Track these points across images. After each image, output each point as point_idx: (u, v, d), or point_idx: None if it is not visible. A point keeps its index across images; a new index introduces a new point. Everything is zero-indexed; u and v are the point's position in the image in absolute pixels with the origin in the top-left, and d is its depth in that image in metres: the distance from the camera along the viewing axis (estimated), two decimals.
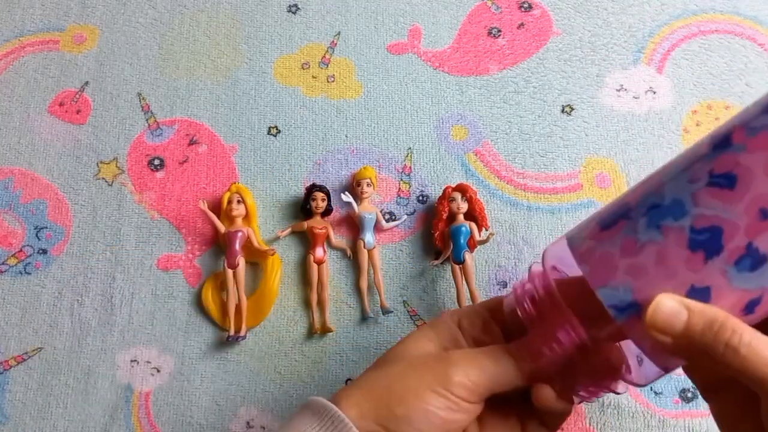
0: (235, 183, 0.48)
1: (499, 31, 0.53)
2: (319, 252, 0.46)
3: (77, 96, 0.53)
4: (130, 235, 0.48)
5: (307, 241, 0.47)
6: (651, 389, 0.42)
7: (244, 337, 0.44)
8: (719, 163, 0.23)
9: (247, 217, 0.47)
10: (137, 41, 0.54)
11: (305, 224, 0.47)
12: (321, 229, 0.46)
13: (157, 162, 0.50)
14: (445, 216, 0.45)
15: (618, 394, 0.29)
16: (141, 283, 0.47)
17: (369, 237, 0.46)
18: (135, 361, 0.45)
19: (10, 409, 0.44)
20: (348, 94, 0.51)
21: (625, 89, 0.51)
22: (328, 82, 0.52)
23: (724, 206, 0.23)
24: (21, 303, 0.47)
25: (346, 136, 0.50)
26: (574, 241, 0.28)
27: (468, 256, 0.44)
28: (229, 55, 0.53)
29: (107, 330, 0.46)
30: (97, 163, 0.50)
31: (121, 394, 0.44)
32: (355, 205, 0.46)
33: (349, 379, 0.44)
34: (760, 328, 0.24)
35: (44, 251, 0.48)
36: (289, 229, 0.47)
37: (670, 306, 0.24)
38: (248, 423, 0.43)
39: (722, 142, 0.24)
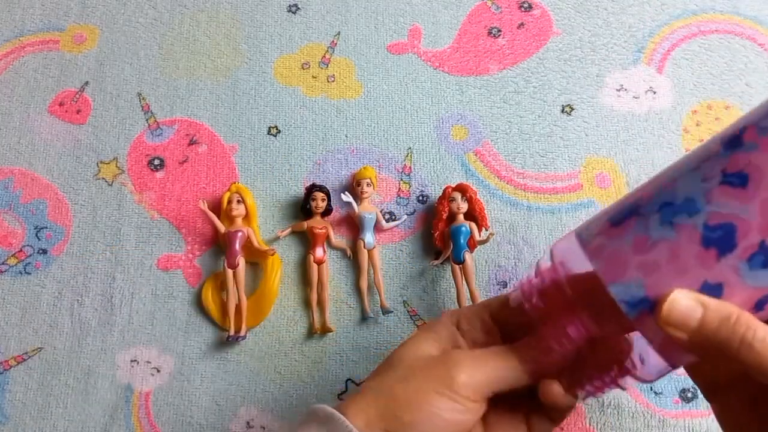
0: (235, 183, 0.48)
1: (499, 31, 0.53)
2: (319, 252, 0.46)
3: (77, 96, 0.53)
4: (130, 235, 0.48)
5: (307, 241, 0.47)
6: (651, 389, 0.42)
7: (244, 337, 0.44)
8: (731, 162, 0.24)
9: (247, 217, 0.47)
10: (137, 41, 0.54)
11: (305, 224, 0.47)
12: (321, 229, 0.46)
13: (157, 162, 0.50)
14: (445, 216, 0.45)
15: (624, 389, 0.29)
16: (141, 283, 0.47)
17: (369, 237, 0.46)
18: (135, 361, 0.45)
19: (10, 409, 0.44)
20: (348, 94, 0.51)
21: (625, 89, 0.51)
22: (328, 82, 0.52)
23: (737, 204, 0.23)
24: (21, 303, 0.47)
25: (346, 136, 0.50)
26: (584, 237, 0.28)
27: (468, 256, 0.44)
28: (229, 55, 0.53)
29: (107, 330, 0.46)
30: (97, 163, 0.50)
31: (121, 394, 0.44)
32: (355, 205, 0.46)
33: (349, 380, 0.44)
34: None
35: (44, 251, 0.48)
36: (289, 229, 0.47)
37: (685, 302, 0.24)
38: (248, 423, 0.43)
39: (734, 141, 0.24)
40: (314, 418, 0.28)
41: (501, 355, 0.29)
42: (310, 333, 0.45)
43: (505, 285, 0.46)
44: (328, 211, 0.47)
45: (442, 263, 0.46)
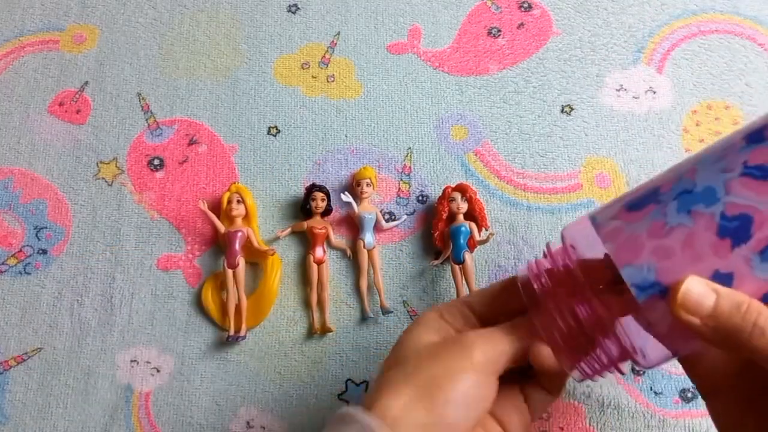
0: (234, 183, 0.48)
1: (499, 31, 0.53)
2: (318, 252, 0.46)
3: (77, 96, 0.53)
4: (130, 235, 0.48)
5: (306, 241, 0.47)
6: (651, 389, 0.42)
7: (244, 337, 0.44)
8: (754, 155, 0.24)
9: (246, 217, 0.47)
10: (137, 41, 0.54)
11: (305, 224, 0.47)
12: (321, 229, 0.46)
13: (156, 162, 0.50)
14: (445, 216, 0.45)
15: (623, 373, 0.29)
16: (141, 283, 0.47)
17: (369, 237, 0.46)
18: (135, 361, 0.45)
19: (10, 409, 0.44)
20: (348, 94, 0.51)
21: (625, 89, 0.51)
22: (328, 82, 0.52)
23: (756, 197, 0.24)
24: (21, 303, 0.47)
25: (346, 136, 0.50)
26: (598, 220, 0.28)
27: (468, 256, 0.44)
28: (229, 55, 0.53)
29: (107, 330, 0.46)
30: (97, 163, 0.50)
31: (121, 394, 0.44)
32: (354, 205, 0.46)
33: (349, 380, 0.44)
34: None
35: (44, 251, 0.48)
36: (289, 229, 0.47)
37: (699, 288, 0.24)
38: (248, 423, 0.43)
39: (757, 136, 0.25)
40: (350, 425, 0.27)
41: (510, 332, 0.30)
42: (310, 333, 0.45)
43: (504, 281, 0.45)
44: (328, 211, 0.47)
45: (442, 263, 0.46)
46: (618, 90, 0.51)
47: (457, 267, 0.44)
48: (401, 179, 0.49)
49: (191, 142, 0.51)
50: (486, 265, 0.46)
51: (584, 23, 0.53)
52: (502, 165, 0.49)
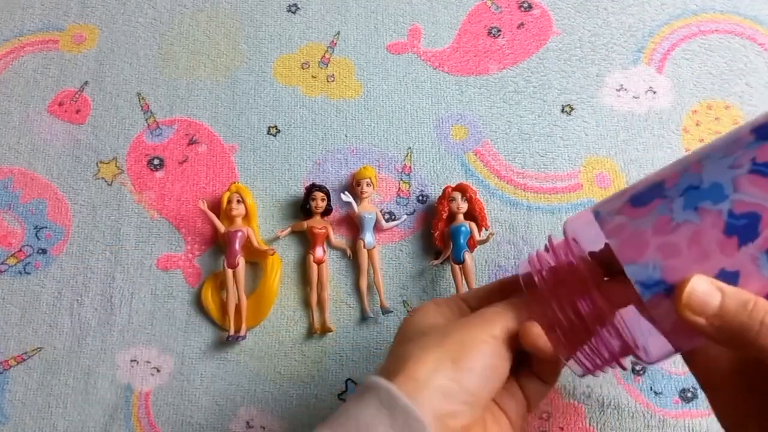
0: (234, 183, 0.48)
1: (499, 30, 0.53)
2: (318, 252, 0.46)
3: (77, 96, 0.53)
4: (130, 235, 0.48)
5: (306, 241, 0.47)
6: (651, 389, 0.42)
7: (244, 337, 0.44)
8: (762, 151, 0.24)
9: (246, 217, 0.47)
10: (137, 41, 0.54)
11: (305, 224, 0.47)
12: (321, 229, 0.46)
13: (156, 162, 0.50)
14: (445, 216, 0.45)
15: (624, 369, 0.29)
16: (141, 283, 0.47)
17: (369, 237, 0.46)
18: (135, 361, 0.45)
19: (10, 409, 0.44)
20: (348, 94, 0.51)
21: (625, 89, 0.51)
22: (327, 81, 0.52)
23: (764, 194, 0.23)
24: (21, 303, 0.47)
25: (346, 136, 0.50)
26: (602, 215, 0.28)
27: (468, 256, 0.44)
28: (229, 55, 0.53)
29: (107, 330, 0.46)
30: (97, 163, 0.50)
31: (121, 394, 0.44)
32: (354, 205, 0.46)
33: (349, 379, 0.44)
34: None
35: (44, 251, 0.48)
36: (289, 229, 0.47)
37: (704, 287, 0.24)
38: (248, 423, 0.43)
39: (766, 131, 0.24)
40: (375, 396, 0.27)
41: (522, 305, 0.30)
42: (310, 333, 0.45)
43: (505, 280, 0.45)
44: (327, 211, 0.47)
45: (442, 263, 0.46)
46: (618, 90, 0.51)
47: (457, 267, 0.44)
48: (401, 179, 0.49)
49: (191, 142, 0.51)
50: (486, 265, 0.46)
51: (584, 23, 0.53)
52: (502, 165, 0.49)
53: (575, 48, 0.52)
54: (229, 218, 0.47)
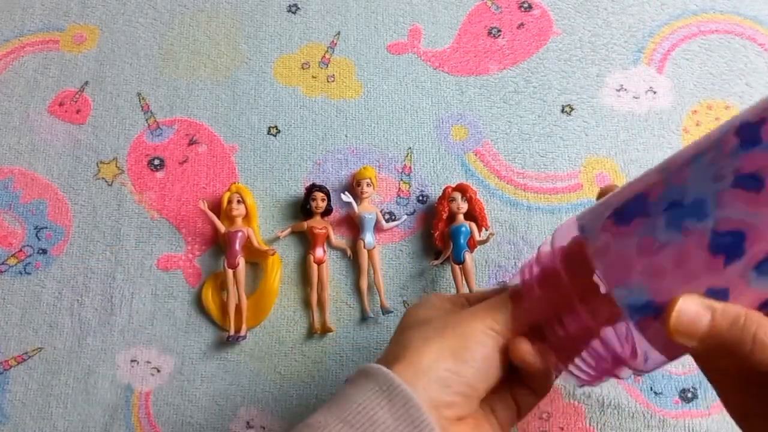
0: (235, 183, 0.48)
1: (499, 31, 0.53)
2: (319, 252, 0.46)
3: (77, 96, 0.53)
4: (130, 235, 0.48)
5: (307, 241, 0.47)
6: (651, 389, 0.42)
7: (244, 337, 0.44)
8: (746, 161, 0.22)
9: (247, 217, 0.47)
10: (137, 41, 0.54)
11: (305, 224, 0.47)
12: (321, 229, 0.46)
13: (157, 162, 0.50)
14: (445, 216, 0.45)
15: (620, 379, 0.29)
16: (141, 283, 0.47)
17: (369, 237, 0.46)
18: (135, 361, 0.45)
19: (10, 409, 0.44)
20: (348, 94, 0.51)
21: (625, 89, 0.51)
22: (328, 82, 0.52)
23: (748, 210, 0.22)
24: (21, 303, 0.47)
25: (346, 136, 0.50)
26: (586, 231, 0.27)
27: (468, 256, 0.44)
28: (229, 55, 0.53)
29: (107, 330, 0.46)
30: (97, 163, 0.50)
31: (121, 394, 0.44)
32: (355, 205, 0.46)
33: (348, 379, 0.44)
34: None
35: (44, 251, 0.48)
36: (289, 229, 0.47)
37: (692, 308, 0.23)
38: (248, 423, 0.43)
39: (751, 137, 0.23)
40: (372, 380, 0.28)
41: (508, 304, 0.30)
42: (310, 333, 0.45)
43: (505, 285, 0.45)
44: (328, 211, 0.47)
45: (442, 263, 0.46)
46: (618, 90, 0.51)
47: (457, 267, 0.44)
48: (401, 179, 0.49)
49: (191, 142, 0.51)
50: (486, 265, 0.46)
51: (584, 23, 0.53)
52: (502, 165, 0.49)
53: (575, 48, 0.52)
54: (229, 218, 0.47)
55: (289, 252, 0.47)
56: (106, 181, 0.50)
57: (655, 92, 0.50)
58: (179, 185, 0.49)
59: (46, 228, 0.49)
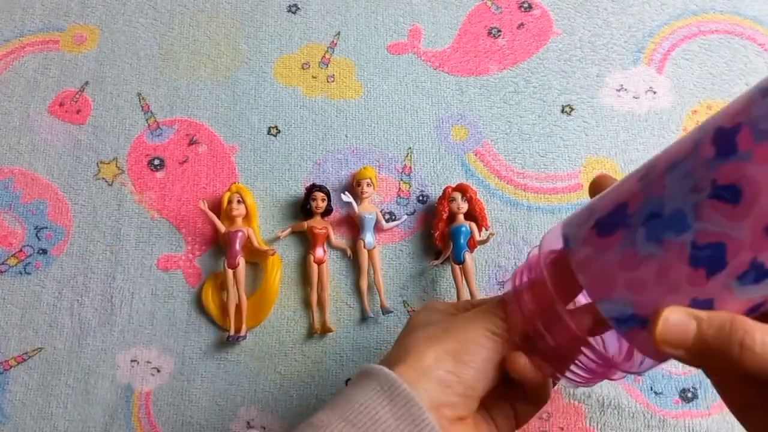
0: (235, 183, 0.48)
1: (499, 31, 0.53)
2: (319, 252, 0.46)
3: (77, 96, 0.53)
4: (130, 235, 0.48)
5: (307, 241, 0.47)
6: (651, 389, 0.42)
7: (244, 337, 0.44)
8: (723, 172, 0.22)
9: (247, 217, 0.47)
10: (137, 41, 0.54)
11: (305, 224, 0.47)
12: (321, 229, 0.46)
13: (157, 162, 0.50)
14: (445, 216, 0.45)
15: (612, 380, 0.29)
16: (141, 283, 0.47)
17: (369, 237, 0.46)
18: (135, 361, 0.45)
19: (10, 409, 0.44)
20: (348, 94, 0.51)
21: (625, 89, 0.51)
22: (328, 82, 0.52)
23: (727, 222, 0.22)
24: (21, 303, 0.47)
25: (346, 136, 0.50)
26: (570, 242, 0.27)
27: (468, 256, 0.44)
28: (229, 55, 0.53)
29: (107, 330, 0.46)
30: (97, 163, 0.50)
31: (121, 394, 0.44)
32: (355, 205, 0.46)
33: (350, 380, 0.44)
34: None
35: (44, 251, 0.48)
36: (289, 229, 0.47)
37: (677, 319, 0.23)
38: (248, 423, 0.43)
39: (727, 146, 0.22)
40: (374, 381, 0.28)
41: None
42: (310, 333, 0.45)
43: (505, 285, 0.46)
44: (328, 211, 0.47)
45: (442, 263, 0.46)
46: (618, 90, 0.51)
47: (457, 267, 0.44)
48: (401, 179, 0.49)
49: (191, 142, 0.51)
50: (486, 265, 0.46)
51: (584, 23, 0.53)
52: (502, 165, 0.49)
53: (575, 48, 0.52)
54: (229, 218, 0.47)
55: (289, 252, 0.47)
56: (106, 181, 0.50)
57: (655, 92, 0.50)
58: (179, 185, 0.49)
59: (46, 228, 0.49)
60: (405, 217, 0.48)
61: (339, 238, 0.47)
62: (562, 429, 0.42)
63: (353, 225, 0.48)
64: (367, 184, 0.47)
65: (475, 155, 0.49)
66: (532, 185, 0.48)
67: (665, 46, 0.52)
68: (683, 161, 0.24)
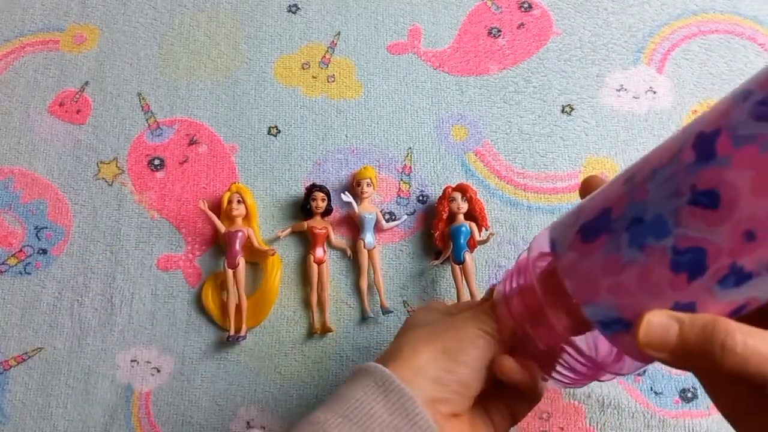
0: (235, 183, 0.48)
1: (499, 31, 0.53)
2: (319, 252, 0.46)
3: (77, 96, 0.53)
4: (130, 235, 0.48)
5: (307, 241, 0.47)
6: (651, 389, 0.42)
7: (244, 337, 0.44)
8: (702, 177, 0.22)
9: (247, 217, 0.47)
10: (137, 41, 0.54)
11: (305, 224, 0.47)
12: (321, 229, 0.46)
13: (157, 162, 0.50)
14: (445, 216, 0.45)
15: (601, 381, 0.29)
16: (141, 283, 0.47)
17: (369, 237, 0.46)
18: (135, 361, 0.45)
19: (10, 409, 0.44)
20: (348, 94, 0.51)
21: (625, 89, 0.51)
22: (328, 82, 0.52)
23: (706, 228, 0.22)
24: (21, 303, 0.47)
25: (346, 136, 0.50)
26: (557, 247, 0.27)
27: (468, 256, 0.44)
28: (229, 55, 0.53)
29: (107, 330, 0.46)
30: (97, 163, 0.50)
31: (121, 394, 0.44)
32: (355, 205, 0.46)
33: None
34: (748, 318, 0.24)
35: (44, 251, 0.48)
36: (289, 229, 0.47)
37: (660, 322, 0.24)
38: (248, 423, 0.43)
39: (706, 151, 0.22)
40: (369, 378, 0.29)
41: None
42: (310, 333, 0.45)
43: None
44: (328, 211, 0.47)
45: (442, 263, 0.46)
46: (618, 90, 0.51)
47: (457, 267, 0.44)
48: (401, 179, 0.49)
49: (191, 142, 0.51)
50: (486, 265, 0.46)
51: (584, 23, 0.53)
52: (502, 165, 0.49)
53: (575, 48, 0.52)
54: (229, 218, 0.47)
55: (289, 252, 0.47)
56: (106, 181, 0.50)
57: (655, 92, 0.50)
58: (179, 185, 0.49)
59: (46, 228, 0.49)
60: (405, 217, 0.48)
61: (339, 238, 0.47)
62: (562, 429, 0.42)
63: (353, 225, 0.48)
64: (367, 184, 0.47)
65: (475, 155, 0.49)
66: (532, 185, 0.48)
67: (665, 46, 0.52)
68: (665, 166, 0.24)
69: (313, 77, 0.52)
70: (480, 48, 0.53)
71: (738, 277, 0.22)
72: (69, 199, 0.49)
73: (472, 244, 0.45)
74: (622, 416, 0.42)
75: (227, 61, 0.53)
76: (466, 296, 0.44)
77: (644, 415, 0.42)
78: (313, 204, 0.46)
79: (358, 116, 0.51)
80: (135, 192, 0.49)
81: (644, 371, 0.43)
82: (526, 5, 0.54)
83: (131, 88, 0.53)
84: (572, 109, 0.50)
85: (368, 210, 0.46)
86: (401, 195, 0.48)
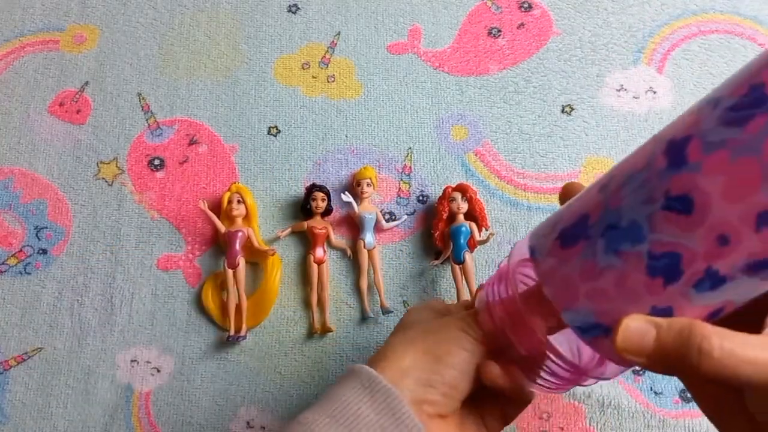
0: (235, 183, 0.48)
1: (499, 31, 0.53)
2: (319, 252, 0.46)
3: (77, 96, 0.53)
4: (130, 235, 0.48)
5: (307, 241, 0.47)
6: (651, 389, 0.42)
7: (244, 337, 0.44)
8: (675, 183, 0.22)
9: (247, 217, 0.47)
10: (137, 41, 0.54)
11: (305, 224, 0.47)
12: (321, 229, 0.46)
13: (157, 162, 0.50)
14: (445, 216, 0.45)
15: (584, 386, 0.30)
16: (141, 283, 0.47)
17: (369, 237, 0.46)
18: (135, 361, 0.45)
19: (10, 409, 0.44)
20: (348, 94, 0.51)
21: (625, 89, 0.51)
22: (328, 82, 0.52)
23: (681, 233, 0.22)
24: (21, 303, 0.47)
25: (346, 136, 0.50)
26: (536, 253, 0.28)
27: (468, 256, 0.44)
28: (229, 55, 0.53)
29: (107, 330, 0.46)
30: (97, 163, 0.50)
31: (121, 394, 0.44)
32: (355, 205, 0.46)
33: None
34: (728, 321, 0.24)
35: (44, 251, 0.48)
36: (289, 229, 0.47)
37: (637, 327, 0.24)
38: (248, 423, 0.43)
39: (678, 157, 0.22)
40: (356, 379, 0.30)
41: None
42: (310, 333, 0.45)
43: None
44: (328, 211, 0.47)
45: (442, 263, 0.46)
46: (618, 90, 0.51)
47: (457, 267, 0.44)
48: (401, 179, 0.49)
49: (191, 142, 0.51)
50: (486, 265, 0.46)
51: (584, 23, 0.53)
52: (502, 165, 0.49)
53: (575, 48, 0.52)
54: (229, 218, 0.47)
55: (289, 252, 0.47)
56: (106, 181, 0.50)
57: (655, 92, 0.50)
58: (179, 185, 0.49)
59: (46, 228, 0.49)
60: (405, 217, 0.48)
61: (339, 238, 0.47)
62: (562, 429, 0.42)
63: (353, 225, 0.48)
64: (367, 184, 0.47)
65: (475, 155, 0.49)
66: (532, 185, 0.48)
67: (665, 46, 0.52)
68: (639, 172, 0.24)
69: (313, 77, 0.52)
70: (480, 48, 0.53)
71: (713, 281, 0.22)
72: (69, 199, 0.49)
73: (472, 244, 0.45)
74: (622, 416, 0.42)
75: (227, 61, 0.53)
76: (466, 296, 0.44)
77: (644, 415, 0.42)
78: (313, 204, 0.46)
79: (358, 116, 0.51)
80: (135, 192, 0.49)
81: (644, 371, 0.43)
82: (526, 5, 0.54)
83: (131, 88, 0.53)
84: (572, 109, 0.50)
85: (368, 210, 0.46)
86: (401, 195, 0.48)
